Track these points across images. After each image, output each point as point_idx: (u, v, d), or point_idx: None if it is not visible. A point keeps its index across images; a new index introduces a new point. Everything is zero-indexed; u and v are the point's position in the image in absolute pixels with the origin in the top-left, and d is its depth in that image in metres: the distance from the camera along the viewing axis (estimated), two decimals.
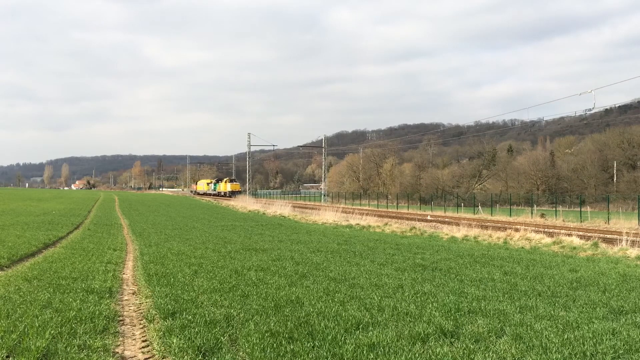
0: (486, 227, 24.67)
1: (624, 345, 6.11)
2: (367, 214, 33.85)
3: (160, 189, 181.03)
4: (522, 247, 17.86)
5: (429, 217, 34.92)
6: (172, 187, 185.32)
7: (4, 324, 6.46)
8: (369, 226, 26.66)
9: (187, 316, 7.12)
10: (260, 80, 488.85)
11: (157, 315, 7.30)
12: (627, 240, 17.00)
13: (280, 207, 41.85)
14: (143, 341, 6.41)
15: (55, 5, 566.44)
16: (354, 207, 53.74)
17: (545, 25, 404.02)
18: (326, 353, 5.67)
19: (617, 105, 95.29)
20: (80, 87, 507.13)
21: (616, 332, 6.63)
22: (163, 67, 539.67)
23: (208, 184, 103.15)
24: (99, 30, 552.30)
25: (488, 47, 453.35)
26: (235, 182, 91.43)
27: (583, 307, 8.04)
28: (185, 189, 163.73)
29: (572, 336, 6.39)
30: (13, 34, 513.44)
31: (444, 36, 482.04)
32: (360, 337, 6.27)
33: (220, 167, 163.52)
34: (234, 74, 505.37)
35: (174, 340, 6.05)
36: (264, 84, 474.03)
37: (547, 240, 18.70)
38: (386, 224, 27.12)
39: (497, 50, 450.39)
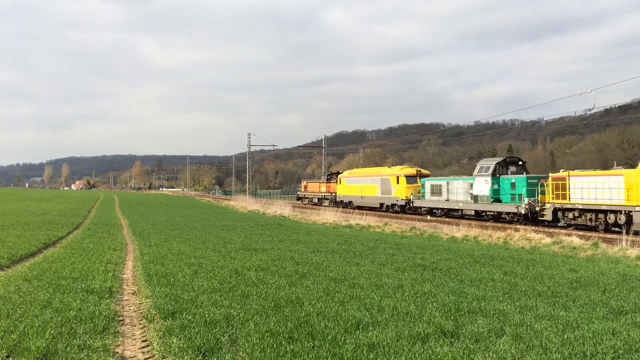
0: (486, 227, 24.65)
1: (624, 345, 6.11)
2: (367, 214, 33.84)
3: (160, 189, 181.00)
4: (522, 247, 17.85)
5: (429, 217, 34.91)
6: (172, 187, 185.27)
7: (4, 324, 6.46)
8: (369, 226, 26.65)
9: (187, 316, 7.12)
10: (259, 81, 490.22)
11: (157, 315, 7.30)
12: (627, 240, 16.99)
13: (280, 207, 41.83)
14: (143, 341, 6.41)
15: (49, 4, 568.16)
16: None
17: (543, 25, 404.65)
18: (326, 353, 5.67)
19: (617, 105, 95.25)
20: (78, 87, 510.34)
21: (616, 332, 6.63)
22: (161, 67, 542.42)
23: (383, 179, 41.69)
24: (95, 30, 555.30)
25: (485, 47, 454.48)
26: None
27: (583, 307, 8.03)
28: (185, 189, 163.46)
29: (572, 336, 6.39)
30: (9, 34, 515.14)
31: (441, 36, 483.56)
32: (360, 337, 6.27)
33: (220, 167, 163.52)
34: (233, 74, 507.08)
35: (174, 340, 6.05)
36: (263, 84, 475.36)
37: (547, 240, 18.69)
38: (386, 224, 27.11)
39: (494, 50, 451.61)
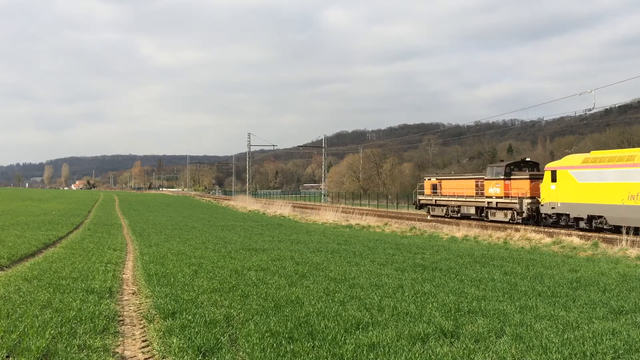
0: (486, 227, 24.66)
1: (624, 345, 6.10)
2: (367, 214, 33.84)
3: (160, 189, 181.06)
4: (522, 247, 17.85)
5: (428, 217, 34.90)
6: (172, 187, 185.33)
7: (4, 324, 6.46)
8: (369, 226, 26.65)
9: (187, 316, 7.12)
10: (259, 81, 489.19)
11: (157, 315, 7.30)
12: (627, 240, 17.00)
13: (280, 207, 41.85)
14: (143, 341, 6.41)
15: (49, 4, 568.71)
16: (354, 207, 53.68)
17: (542, 25, 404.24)
18: (326, 353, 5.67)
19: (617, 105, 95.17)
20: (77, 87, 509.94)
21: (616, 332, 6.63)
22: (161, 67, 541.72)
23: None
24: (95, 30, 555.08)
25: (484, 47, 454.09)
26: None
27: (583, 307, 8.03)
28: (185, 189, 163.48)
29: (572, 336, 6.39)
30: (9, 34, 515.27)
31: (440, 36, 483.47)
32: (360, 337, 6.26)
33: (220, 167, 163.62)
34: (232, 74, 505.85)
35: (174, 340, 6.05)
36: (262, 84, 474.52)
37: (547, 240, 18.70)
38: (386, 224, 27.11)
39: (493, 50, 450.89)
